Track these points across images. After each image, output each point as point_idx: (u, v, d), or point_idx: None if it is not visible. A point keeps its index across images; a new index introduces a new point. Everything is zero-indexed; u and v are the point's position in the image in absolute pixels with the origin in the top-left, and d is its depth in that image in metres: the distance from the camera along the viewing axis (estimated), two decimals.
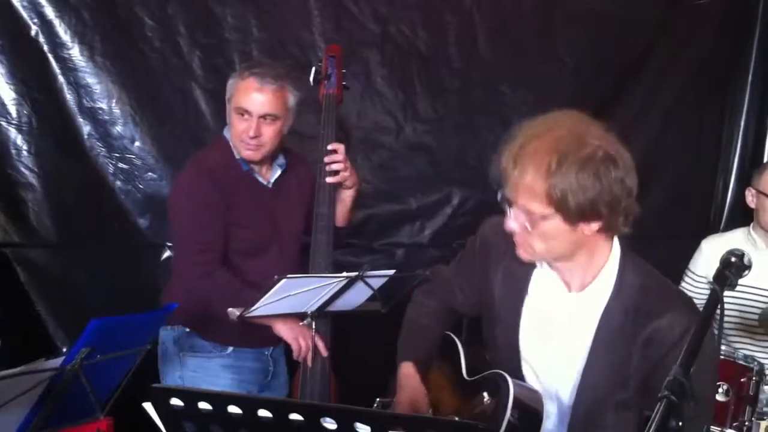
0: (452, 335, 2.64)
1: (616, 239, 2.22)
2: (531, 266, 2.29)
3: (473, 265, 2.45)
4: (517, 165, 2.09)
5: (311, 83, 3.42)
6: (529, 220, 2.10)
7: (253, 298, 2.93)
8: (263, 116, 3.12)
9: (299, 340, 3.13)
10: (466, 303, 2.55)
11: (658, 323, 2.12)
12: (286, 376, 3.48)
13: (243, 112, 3.12)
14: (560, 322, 2.26)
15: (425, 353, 2.60)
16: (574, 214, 2.07)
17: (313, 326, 3.15)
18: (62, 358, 2.39)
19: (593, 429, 2.22)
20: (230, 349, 3.28)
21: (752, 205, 3.76)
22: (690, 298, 2.31)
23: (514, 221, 2.13)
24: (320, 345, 3.19)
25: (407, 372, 2.54)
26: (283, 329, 3.14)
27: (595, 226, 2.11)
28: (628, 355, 2.16)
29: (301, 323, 3.15)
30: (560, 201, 2.05)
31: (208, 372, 3.26)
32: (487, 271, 2.39)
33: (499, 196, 2.17)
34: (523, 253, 2.19)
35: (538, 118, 2.18)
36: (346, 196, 3.41)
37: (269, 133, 3.15)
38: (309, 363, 3.17)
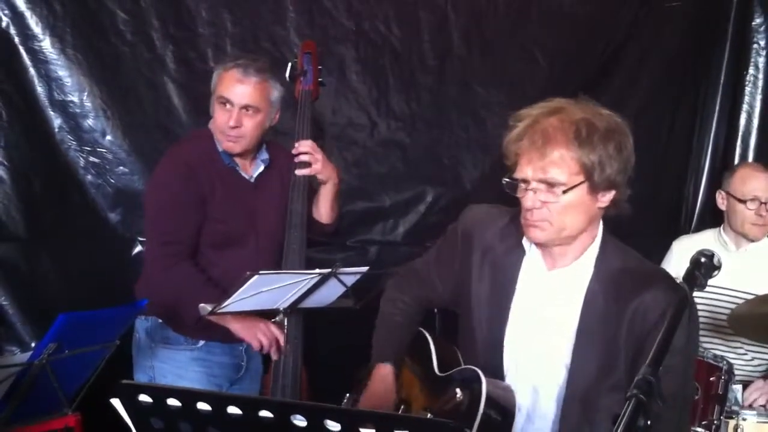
0: (423, 330, 2.63)
1: (601, 223, 2.25)
2: (521, 254, 2.30)
3: (454, 256, 2.43)
4: (542, 137, 2.10)
5: (287, 79, 3.42)
6: (553, 192, 2.12)
7: (215, 295, 2.93)
8: (244, 107, 3.13)
9: (258, 336, 3.10)
10: (443, 295, 2.52)
11: (640, 301, 2.15)
12: (260, 374, 3.45)
13: (225, 101, 3.13)
14: (545, 310, 2.26)
15: (400, 352, 2.60)
16: (600, 183, 2.12)
17: (286, 323, 3.14)
18: (30, 353, 2.37)
19: (587, 414, 2.22)
20: (201, 342, 3.26)
21: (723, 207, 3.80)
22: (669, 275, 2.32)
23: (532, 199, 2.14)
24: (280, 346, 3.15)
25: (384, 372, 2.53)
26: (239, 329, 3.12)
27: (609, 197, 2.17)
28: (615, 337, 2.17)
29: (273, 320, 3.14)
30: (591, 169, 2.10)
31: (176, 364, 3.24)
32: (469, 261, 2.37)
33: (505, 181, 2.19)
34: (536, 233, 2.18)
35: (532, 105, 2.21)
36: (325, 190, 3.39)
37: (250, 125, 3.16)
38: (274, 356, 3.14)
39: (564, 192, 2.11)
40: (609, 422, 2.17)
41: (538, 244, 2.26)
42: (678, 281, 1.92)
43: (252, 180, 3.29)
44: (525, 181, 2.15)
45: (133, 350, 3.30)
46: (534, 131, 2.12)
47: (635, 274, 2.21)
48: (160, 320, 3.24)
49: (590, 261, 2.23)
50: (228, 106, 3.13)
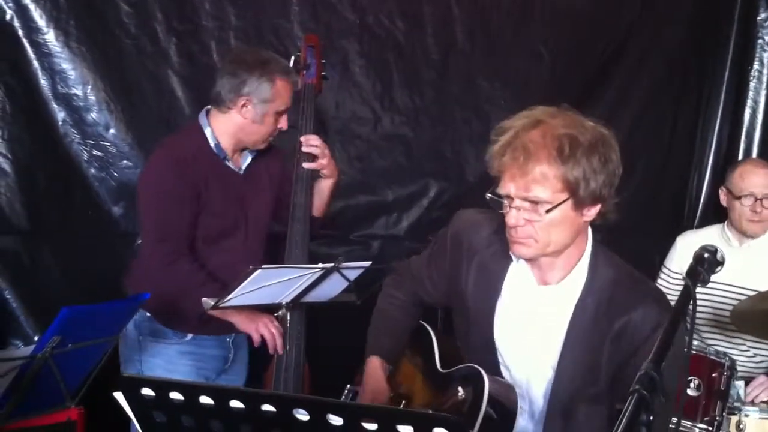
0: (426, 325, 2.64)
1: (590, 232, 2.23)
2: (507, 261, 2.28)
3: (444, 258, 2.44)
4: (524, 153, 2.05)
5: None
6: (537, 210, 2.08)
7: (216, 290, 2.92)
8: None
9: (261, 330, 3.11)
10: (436, 295, 2.54)
11: (631, 317, 2.14)
12: (246, 363, 3.46)
13: (286, 109, 3.20)
14: (534, 317, 2.26)
15: (394, 347, 2.60)
16: (584, 198, 2.08)
17: (288, 317, 3.14)
18: (33, 346, 2.37)
19: (567, 423, 2.23)
20: (189, 336, 3.25)
21: (725, 204, 3.80)
22: (662, 292, 2.32)
23: (516, 217, 2.11)
24: (279, 342, 3.15)
25: (373, 365, 2.53)
26: (241, 322, 3.13)
27: (594, 211, 2.13)
28: (601, 347, 2.17)
29: (275, 314, 3.14)
30: (575, 185, 2.05)
31: (166, 358, 3.24)
32: (458, 264, 2.38)
33: (488, 196, 2.15)
34: (522, 250, 2.16)
35: (518, 114, 2.17)
36: (324, 186, 3.40)
37: None
38: (280, 350, 3.14)
39: (547, 211, 2.07)
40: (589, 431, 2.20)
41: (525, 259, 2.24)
42: (681, 277, 1.92)
43: (241, 172, 3.29)
44: (508, 197, 2.11)
45: (120, 343, 3.25)
46: (515, 147, 2.07)
47: (626, 288, 2.20)
48: (148, 313, 3.22)
49: (581, 276, 2.21)
50: (285, 112, 3.21)
